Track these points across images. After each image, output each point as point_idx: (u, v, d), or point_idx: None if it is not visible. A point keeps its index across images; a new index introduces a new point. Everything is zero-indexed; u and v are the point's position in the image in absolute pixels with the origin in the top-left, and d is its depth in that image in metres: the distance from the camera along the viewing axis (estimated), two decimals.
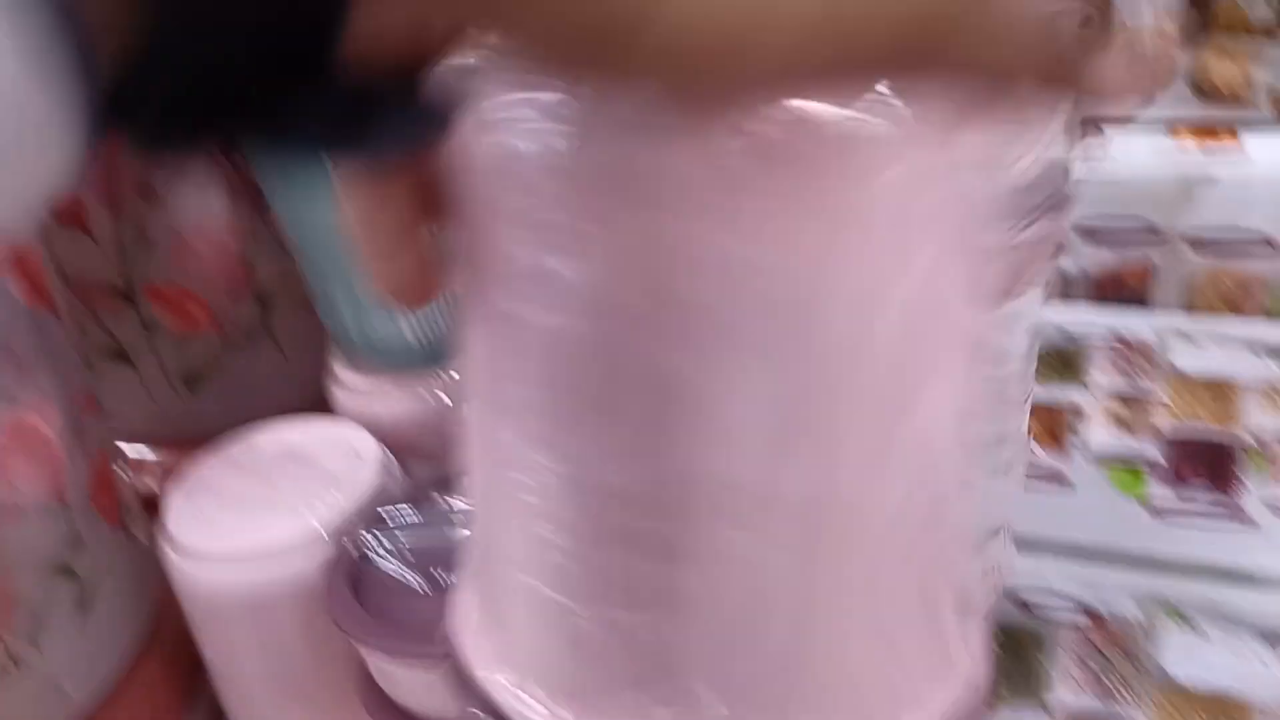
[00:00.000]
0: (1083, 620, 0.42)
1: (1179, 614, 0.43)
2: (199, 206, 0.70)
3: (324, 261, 0.66)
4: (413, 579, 0.51)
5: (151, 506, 0.70)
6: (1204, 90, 0.65)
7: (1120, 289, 0.64)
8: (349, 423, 0.66)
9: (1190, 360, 0.57)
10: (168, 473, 0.69)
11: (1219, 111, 0.64)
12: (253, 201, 0.71)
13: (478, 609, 0.27)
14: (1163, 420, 0.53)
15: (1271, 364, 0.55)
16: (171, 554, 0.57)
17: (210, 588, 0.56)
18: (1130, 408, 0.55)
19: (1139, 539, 0.46)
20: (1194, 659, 0.41)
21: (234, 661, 0.60)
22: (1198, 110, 0.64)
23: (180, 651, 0.67)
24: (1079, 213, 0.64)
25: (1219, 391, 0.54)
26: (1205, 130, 0.63)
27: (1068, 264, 0.65)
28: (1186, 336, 0.59)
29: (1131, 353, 0.58)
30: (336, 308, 0.70)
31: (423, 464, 0.63)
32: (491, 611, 0.26)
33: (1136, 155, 0.62)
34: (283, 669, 0.58)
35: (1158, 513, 0.48)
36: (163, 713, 0.65)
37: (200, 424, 0.68)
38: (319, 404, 0.72)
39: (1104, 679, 0.41)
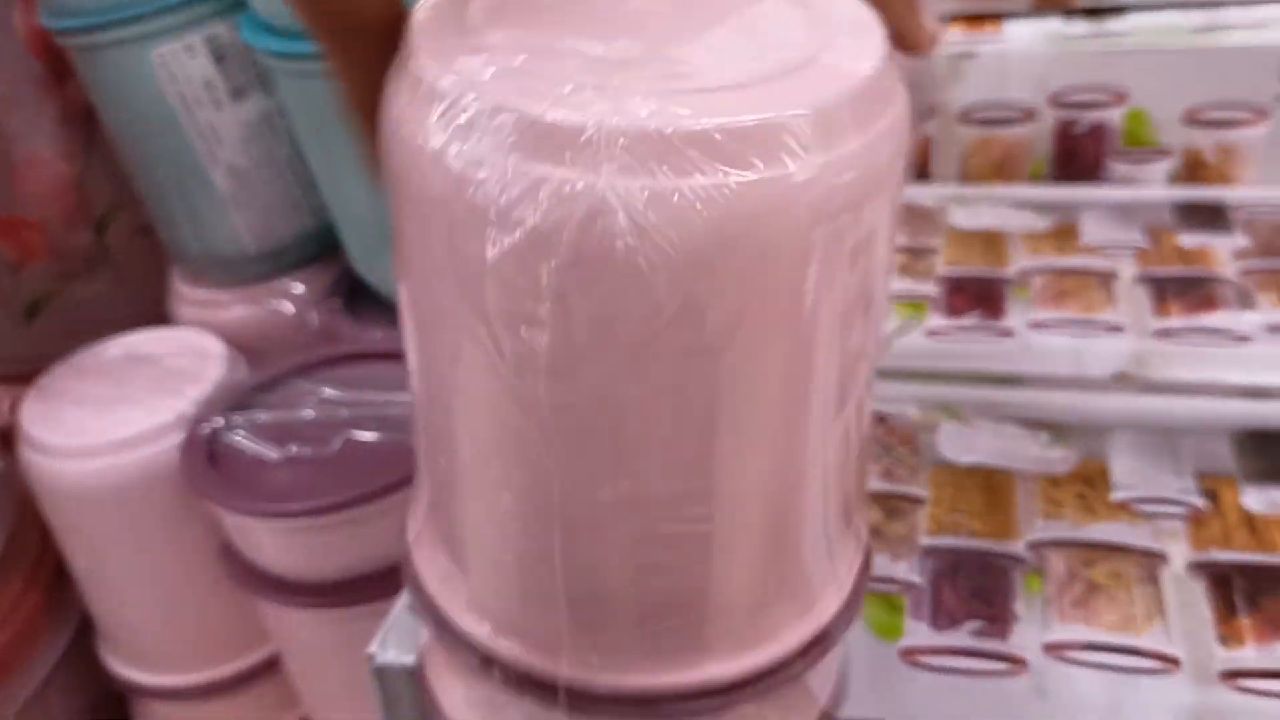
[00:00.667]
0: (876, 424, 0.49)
1: (952, 412, 0.49)
2: (31, 134, 0.70)
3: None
4: (267, 450, 0.54)
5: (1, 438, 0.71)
6: None
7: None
8: (192, 328, 0.68)
9: (965, 219, 0.64)
10: (14, 405, 0.69)
11: (984, 3, 0.71)
12: (85, 126, 0.72)
13: (444, 555, 0.28)
14: (940, 267, 0.60)
15: (1033, 216, 0.63)
16: (32, 456, 0.59)
17: (73, 482, 0.58)
18: (914, 257, 0.62)
19: (919, 358, 0.53)
20: (965, 445, 0.48)
21: (99, 562, 0.62)
22: (967, 4, 0.72)
23: (41, 571, 0.69)
24: None
25: (989, 240, 0.62)
26: (972, 19, 0.70)
27: None
28: (961, 200, 0.66)
29: (914, 217, 0.64)
30: (176, 222, 0.72)
31: (267, 362, 0.66)
32: (457, 558, 0.27)
33: None
34: (147, 562, 0.61)
35: (933, 334, 0.55)
36: (26, 633, 0.67)
37: (42, 354, 0.69)
38: (160, 325, 0.74)
39: (892, 469, 0.48)
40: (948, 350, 0.53)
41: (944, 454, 0.47)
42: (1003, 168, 0.69)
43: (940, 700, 0.37)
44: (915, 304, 0.57)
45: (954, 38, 0.68)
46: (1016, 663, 0.38)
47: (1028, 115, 0.67)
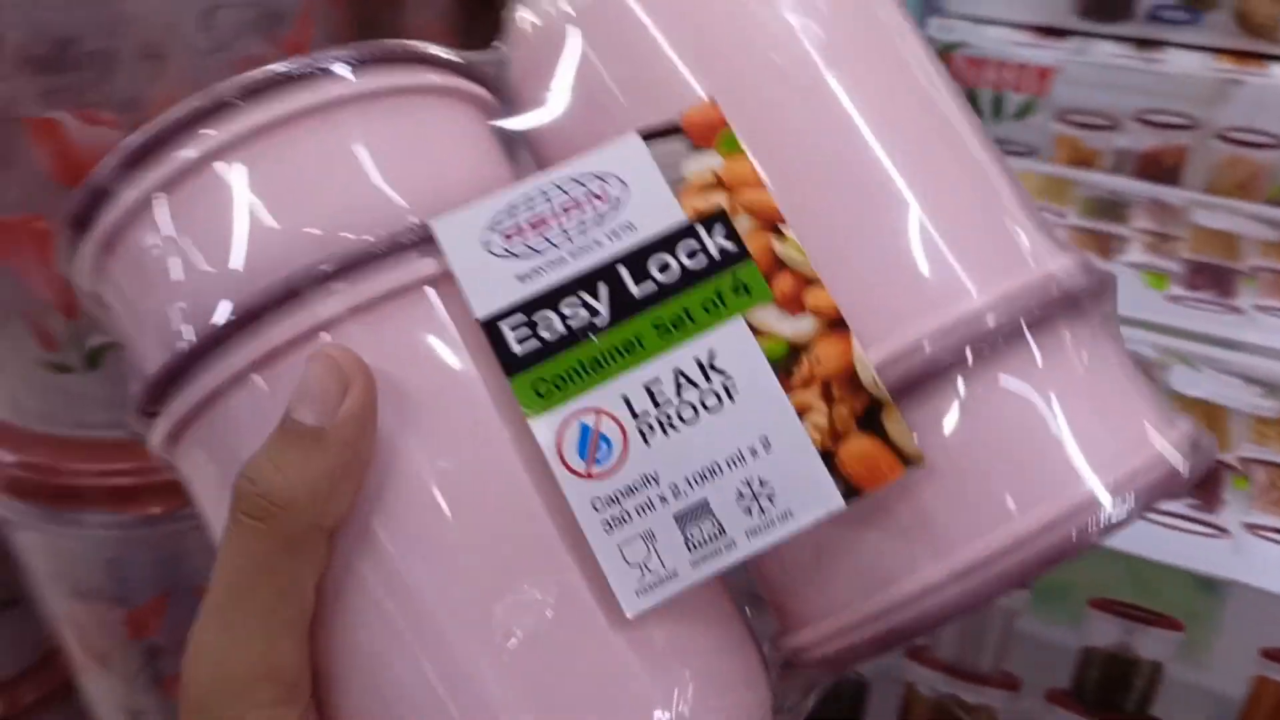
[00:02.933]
0: None
1: (1183, 358, 0.62)
2: None
3: None
4: None
5: None
6: (1245, 24, 0.83)
7: (1158, 166, 0.83)
8: None
9: (1207, 219, 0.76)
10: None
11: (1255, 44, 0.82)
12: None
13: None
14: (1183, 250, 0.72)
15: (1268, 230, 0.74)
16: None
17: None
18: (1160, 240, 0.73)
19: (1160, 315, 0.65)
20: (1191, 382, 0.60)
21: None
22: (1239, 41, 0.83)
23: None
24: (1137, 103, 0.82)
25: (1226, 240, 0.73)
26: (1241, 55, 0.82)
27: (1123, 141, 0.84)
28: (1206, 205, 0.77)
29: (1163, 211, 0.76)
30: None
31: None
32: None
33: (1186, 64, 0.81)
34: None
35: (1173, 299, 0.67)
36: None
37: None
38: None
39: None
40: (1185, 313, 0.65)
41: (1174, 386, 0.59)
42: (1246, 185, 0.80)
43: (1162, 543, 0.49)
44: (1159, 275, 0.69)
45: (1226, 66, 0.80)
46: (1221, 530, 0.50)
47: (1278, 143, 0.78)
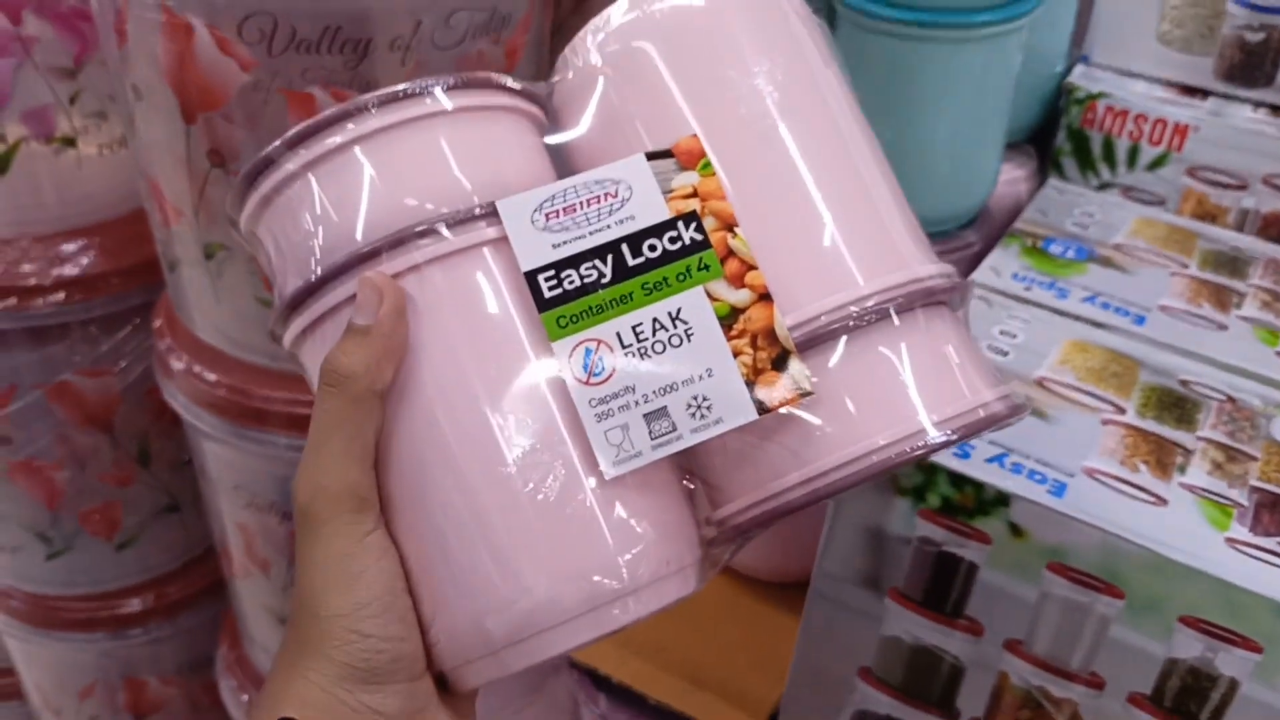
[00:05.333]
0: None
1: None
2: None
3: None
4: None
5: None
6: None
7: None
8: None
9: None
10: None
11: None
12: None
13: None
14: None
15: None
16: None
17: None
18: (1276, 298, 0.73)
19: (1270, 369, 0.66)
20: None
21: None
22: None
23: None
24: (1267, 167, 0.86)
25: None
26: None
27: (1249, 201, 0.88)
28: None
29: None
30: None
31: None
32: None
33: None
34: None
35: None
36: None
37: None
38: None
39: (1235, 433, 0.62)
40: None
41: (1275, 435, 0.61)
42: None
43: (1253, 572, 0.52)
44: (1273, 332, 0.69)
45: None
46: None
47: None
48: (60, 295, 0.78)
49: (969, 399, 0.46)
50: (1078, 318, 0.72)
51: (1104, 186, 0.95)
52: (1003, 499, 0.56)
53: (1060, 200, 0.89)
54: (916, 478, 0.58)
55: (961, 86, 0.77)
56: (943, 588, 0.60)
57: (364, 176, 0.44)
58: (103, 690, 0.97)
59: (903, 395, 0.45)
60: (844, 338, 0.45)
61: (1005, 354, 0.67)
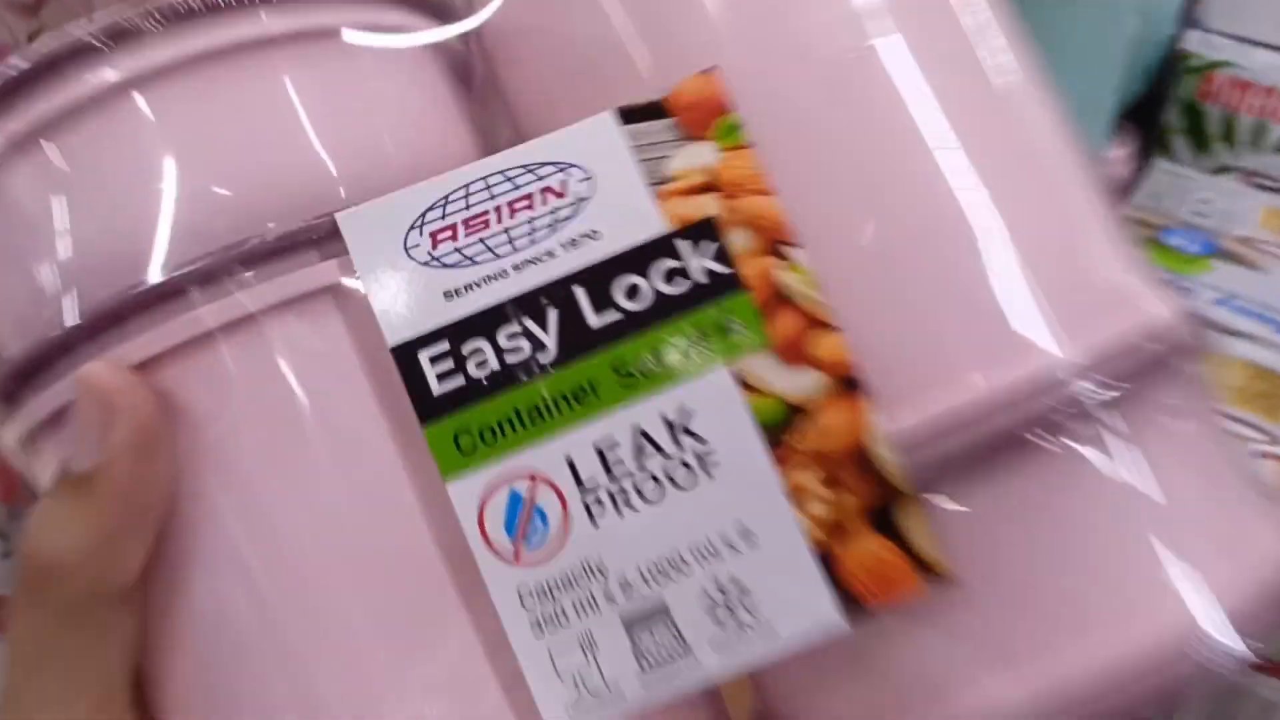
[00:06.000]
0: None
1: None
2: None
3: None
4: None
5: None
6: None
7: None
8: None
9: None
10: None
11: None
12: None
13: None
14: None
15: None
16: None
17: None
18: None
19: None
20: None
21: None
22: None
23: None
24: None
25: None
26: None
27: None
28: None
29: None
30: None
31: None
32: None
33: None
34: None
35: None
36: None
37: None
38: None
39: None
40: None
41: None
42: None
43: None
44: None
45: None
46: None
47: None
48: None
49: (1269, 563, 0.24)
50: (1210, 325, 0.63)
51: (1221, 170, 0.83)
52: None
53: (1173, 185, 0.78)
54: None
55: (1068, 51, 0.62)
56: None
57: (144, 148, 0.23)
58: None
59: (1145, 558, 0.23)
60: (1018, 454, 0.23)
61: None
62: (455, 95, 0.28)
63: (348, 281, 0.23)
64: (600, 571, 0.23)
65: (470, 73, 0.29)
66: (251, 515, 0.23)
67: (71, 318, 0.23)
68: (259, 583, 0.23)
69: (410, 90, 0.27)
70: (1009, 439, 0.24)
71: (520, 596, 0.23)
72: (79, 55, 0.24)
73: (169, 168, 0.23)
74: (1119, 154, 0.81)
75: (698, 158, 0.25)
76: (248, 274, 0.23)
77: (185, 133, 0.24)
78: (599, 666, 0.23)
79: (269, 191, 0.24)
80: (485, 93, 0.29)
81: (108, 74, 0.24)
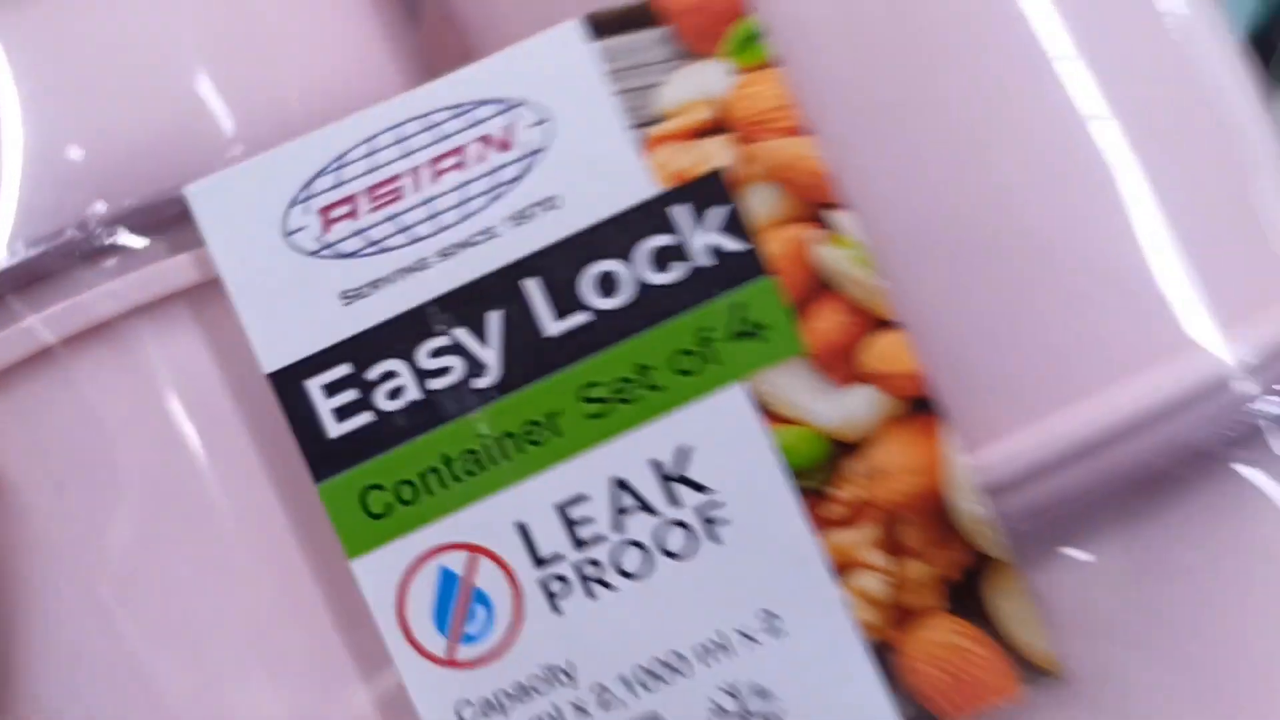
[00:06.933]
0: None
1: None
2: None
3: None
4: None
5: None
6: None
7: None
8: None
9: None
10: None
11: None
12: None
13: None
14: None
15: None
16: None
17: None
18: None
19: None
20: None
21: None
22: None
23: None
24: None
25: None
26: None
27: None
28: None
29: None
30: None
31: None
32: None
33: None
34: None
35: None
36: None
37: None
38: None
39: None
40: None
41: None
42: None
43: None
44: None
45: None
46: None
47: None
48: None
49: None
50: None
51: None
52: None
53: None
54: None
55: None
56: None
57: None
58: None
59: None
60: (1159, 496, 0.16)
61: None
62: (393, 25, 0.21)
63: (206, 282, 0.16)
64: (567, 675, 0.17)
65: None
66: (83, 604, 0.17)
67: None
68: (106, 688, 0.17)
69: (328, 18, 0.20)
70: (1148, 474, 0.16)
71: (457, 711, 0.16)
72: None
73: None
74: None
75: (701, 84, 0.17)
76: (92, 270, 0.16)
77: (14, 71, 0.18)
78: None
79: (117, 154, 0.17)
80: (437, 25, 0.22)
81: None
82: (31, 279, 0.17)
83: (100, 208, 0.17)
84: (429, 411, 0.17)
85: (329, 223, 0.17)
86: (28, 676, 0.18)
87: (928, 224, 0.17)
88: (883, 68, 0.18)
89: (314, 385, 0.17)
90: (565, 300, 0.17)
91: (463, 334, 0.17)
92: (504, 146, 0.17)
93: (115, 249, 0.17)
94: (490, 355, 0.17)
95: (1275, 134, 0.20)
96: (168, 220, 0.17)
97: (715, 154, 0.17)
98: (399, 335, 0.17)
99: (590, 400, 0.17)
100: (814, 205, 0.17)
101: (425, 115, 0.17)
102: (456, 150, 0.17)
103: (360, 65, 0.21)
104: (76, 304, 0.16)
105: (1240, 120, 0.19)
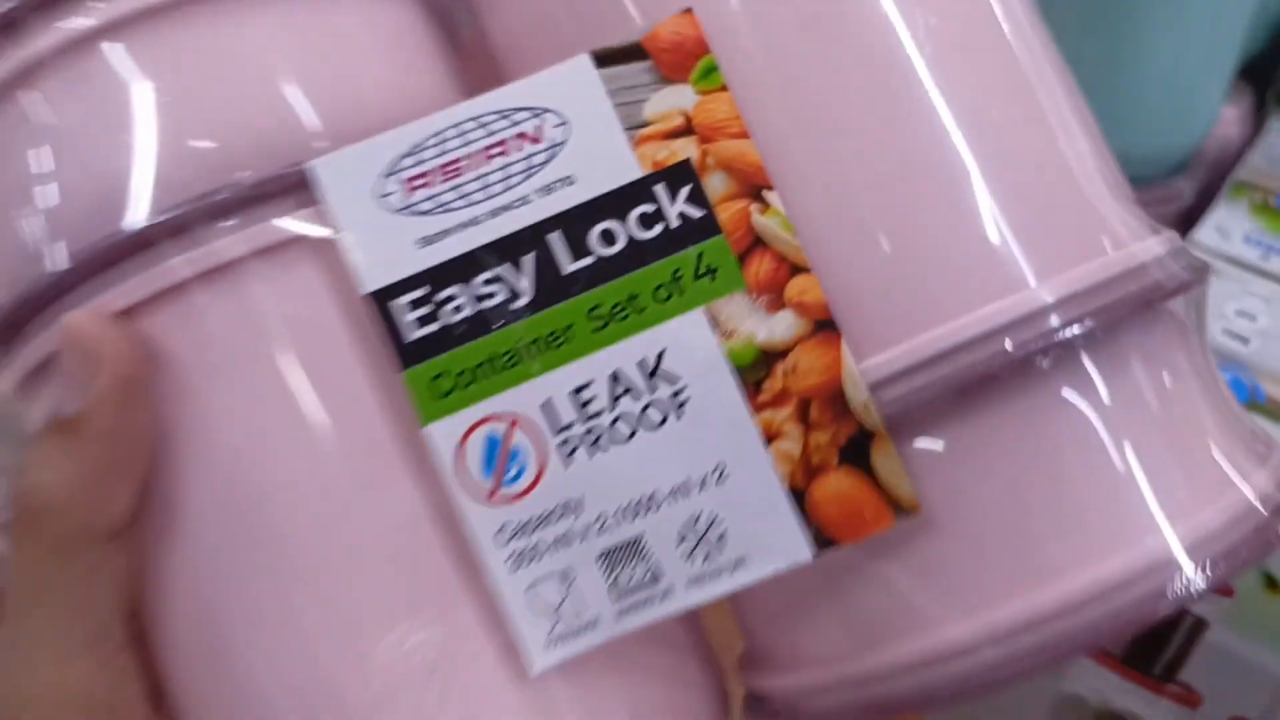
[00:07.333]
0: None
1: None
2: None
3: None
4: None
5: None
6: None
7: None
8: None
9: None
10: None
11: None
12: None
13: None
14: None
15: None
16: None
17: None
18: None
19: None
20: None
21: None
22: None
23: None
24: None
25: None
26: None
27: None
28: None
29: None
30: None
31: None
32: None
33: None
34: None
35: None
36: None
37: None
38: None
39: None
40: None
41: None
42: None
43: None
44: None
45: None
46: None
47: None
48: None
49: (1231, 495, 0.24)
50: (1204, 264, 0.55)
51: None
52: None
53: None
54: None
55: (1191, 7, 0.61)
56: (1154, 644, 0.46)
57: (123, 95, 0.23)
58: None
59: (1117, 494, 0.24)
60: (991, 393, 0.23)
61: (1246, 341, 0.52)
62: (439, 46, 0.28)
63: (322, 230, 0.23)
64: (577, 509, 0.24)
65: (455, 23, 0.29)
66: (233, 461, 0.23)
67: (53, 266, 0.23)
68: (245, 525, 0.24)
69: (391, 39, 0.27)
70: (982, 377, 0.24)
71: (498, 534, 0.23)
72: (56, 3, 0.24)
73: (146, 116, 0.24)
74: (1231, 113, 0.75)
75: (674, 101, 0.25)
76: (223, 223, 0.23)
77: (162, 80, 0.25)
78: (576, 599, 0.24)
79: (246, 141, 0.24)
80: (472, 46, 0.29)
81: (84, 21, 0.24)
82: (184, 227, 0.24)
83: (248, 174, 0.24)
84: (480, 323, 0.24)
85: (410, 190, 0.24)
86: (174, 519, 0.24)
87: (830, 200, 0.25)
88: (795, 93, 0.25)
89: (398, 304, 0.24)
90: (578, 248, 0.24)
91: (505, 270, 0.24)
92: (535, 140, 0.24)
93: (254, 204, 0.24)
94: (524, 285, 0.24)
95: (1088, 125, 0.27)
96: (296, 185, 0.24)
97: (684, 149, 0.25)
98: (459, 270, 0.24)
99: (595, 317, 0.24)
100: (753, 186, 0.25)
101: (479, 117, 0.25)
102: (501, 143, 0.24)
103: (414, 79, 0.28)
104: (244, 235, 0.23)
105: (1057, 113, 0.26)
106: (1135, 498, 0.24)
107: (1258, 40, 0.78)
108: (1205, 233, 0.58)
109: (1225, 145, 0.74)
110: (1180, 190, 0.67)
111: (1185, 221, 0.60)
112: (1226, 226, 0.60)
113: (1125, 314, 0.25)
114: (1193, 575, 0.24)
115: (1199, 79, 0.68)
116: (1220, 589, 0.41)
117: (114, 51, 0.24)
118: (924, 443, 0.24)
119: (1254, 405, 0.47)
